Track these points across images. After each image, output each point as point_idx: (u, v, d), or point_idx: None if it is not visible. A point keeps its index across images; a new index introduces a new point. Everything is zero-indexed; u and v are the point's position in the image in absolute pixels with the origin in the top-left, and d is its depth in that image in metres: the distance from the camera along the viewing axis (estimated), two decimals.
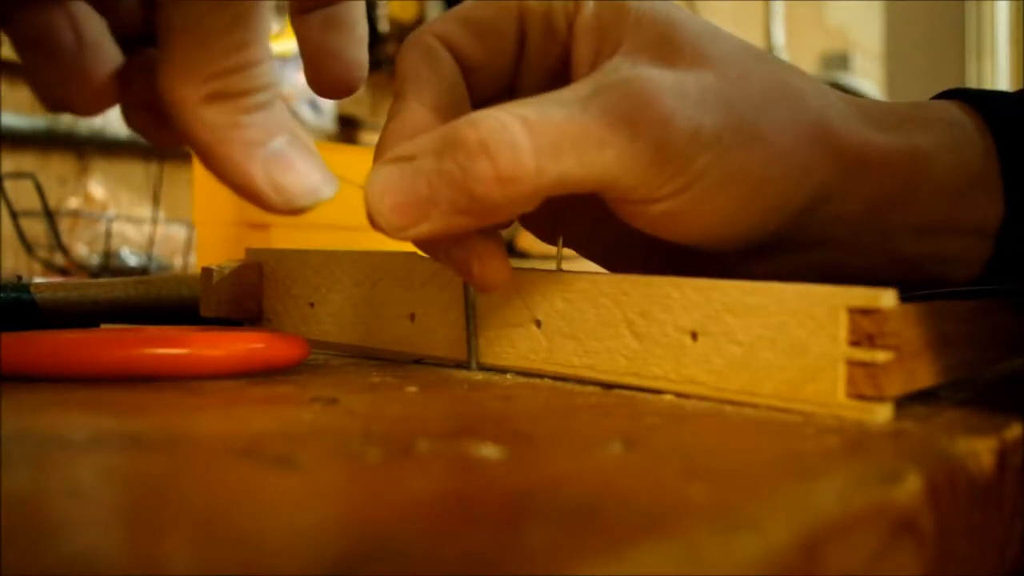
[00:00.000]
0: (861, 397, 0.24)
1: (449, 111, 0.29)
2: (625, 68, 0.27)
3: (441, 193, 0.26)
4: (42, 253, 0.93)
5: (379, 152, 0.28)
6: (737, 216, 0.28)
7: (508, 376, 0.31)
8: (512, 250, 1.16)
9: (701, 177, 0.27)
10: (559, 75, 0.31)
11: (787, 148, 0.28)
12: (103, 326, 0.39)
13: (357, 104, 1.40)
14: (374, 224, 0.26)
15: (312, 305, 0.37)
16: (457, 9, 0.31)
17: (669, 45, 0.28)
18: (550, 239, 0.35)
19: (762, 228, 0.29)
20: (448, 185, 0.26)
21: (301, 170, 0.25)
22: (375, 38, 1.47)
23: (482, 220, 0.27)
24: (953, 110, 0.33)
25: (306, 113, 1.50)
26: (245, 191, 0.25)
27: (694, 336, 0.27)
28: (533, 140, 0.25)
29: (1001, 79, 3.08)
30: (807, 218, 0.30)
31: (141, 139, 0.30)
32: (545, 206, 0.27)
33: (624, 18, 0.29)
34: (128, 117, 0.28)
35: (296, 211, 0.25)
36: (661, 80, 0.27)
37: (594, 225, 0.34)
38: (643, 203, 0.28)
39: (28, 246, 0.91)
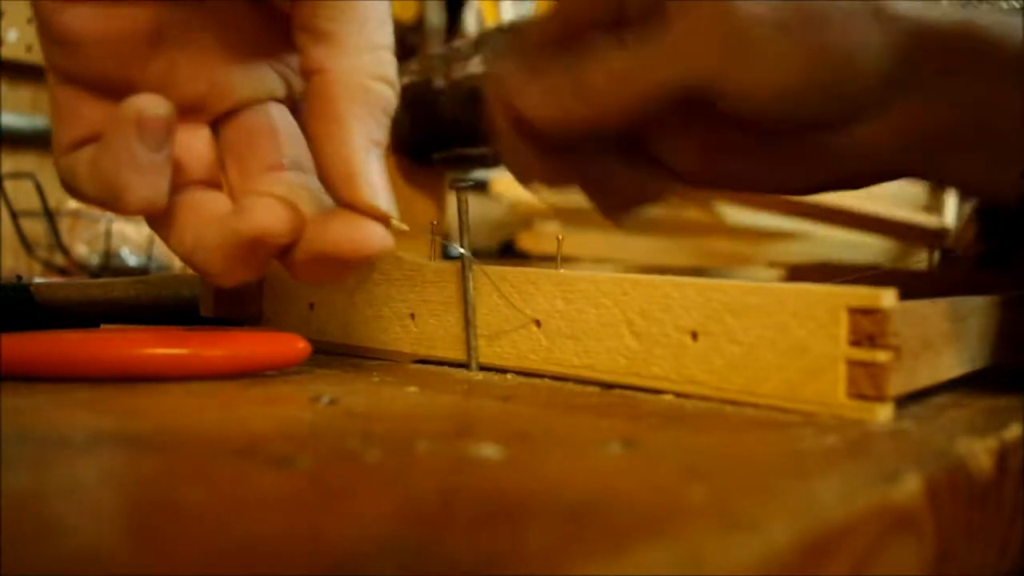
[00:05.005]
0: (861, 397, 0.24)
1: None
2: None
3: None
4: (42, 253, 0.93)
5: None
6: (804, 87, 0.30)
7: (508, 376, 0.31)
8: (512, 250, 1.16)
9: (766, 55, 0.29)
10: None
11: (842, 22, 0.30)
12: (103, 326, 0.39)
13: None
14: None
15: (312, 306, 0.37)
16: None
17: None
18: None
19: (834, 98, 0.31)
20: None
21: (384, 182, 0.28)
22: None
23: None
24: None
25: None
26: (342, 168, 0.27)
27: (694, 336, 0.27)
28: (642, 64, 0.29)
29: None
30: (887, 84, 0.31)
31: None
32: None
33: None
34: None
35: (374, 208, 0.27)
36: None
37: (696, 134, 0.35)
38: (727, 94, 0.30)
39: (28, 246, 0.91)
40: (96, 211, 0.96)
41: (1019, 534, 0.24)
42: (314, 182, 0.30)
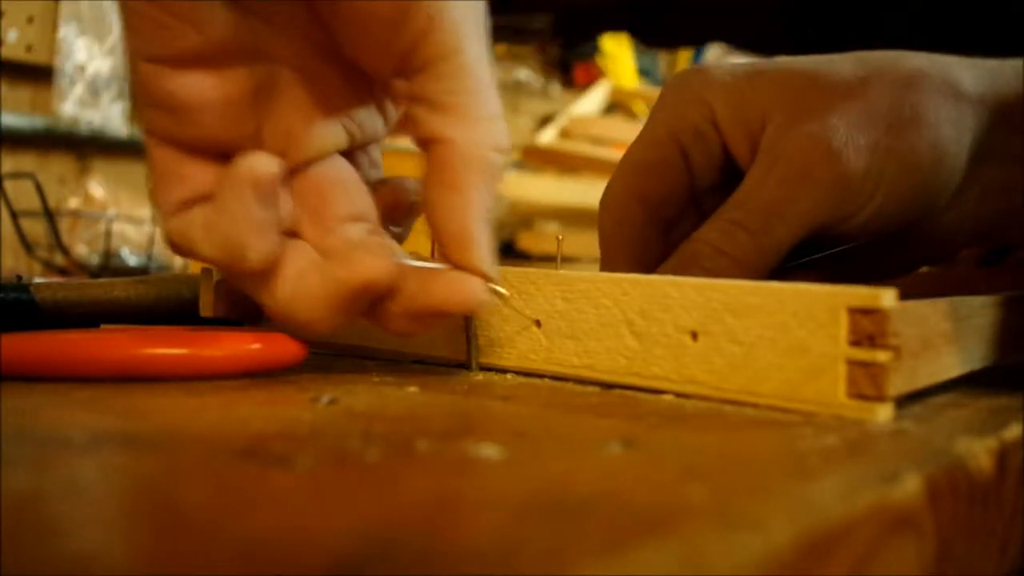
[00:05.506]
0: (861, 397, 0.24)
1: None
2: (777, 135, 0.33)
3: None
4: (42, 253, 0.93)
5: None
6: (907, 201, 0.33)
7: (508, 376, 0.31)
8: (512, 251, 1.16)
9: (876, 193, 0.32)
10: (725, 166, 0.35)
11: (934, 122, 0.32)
12: (103, 326, 0.39)
13: None
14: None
15: None
16: (629, 162, 0.36)
17: (807, 96, 0.33)
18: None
19: (931, 194, 0.34)
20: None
21: (492, 248, 0.29)
22: None
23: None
24: None
25: None
26: (459, 233, 0.28)
27: (694, 336, 0.27)
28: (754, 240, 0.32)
29: None
30: (971, 161, 0.34)
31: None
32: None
33: (759, 92, 0.34)
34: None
35: (483, 273, 0.28)
36: (818, 133, 0.32)
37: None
38: (843, 221, 0.33)
39: (28, 246, 0.91)
40: (96, 211, 0.96)
41: (1019, 534, 0.24)
42: (382, 232, 0.31)
